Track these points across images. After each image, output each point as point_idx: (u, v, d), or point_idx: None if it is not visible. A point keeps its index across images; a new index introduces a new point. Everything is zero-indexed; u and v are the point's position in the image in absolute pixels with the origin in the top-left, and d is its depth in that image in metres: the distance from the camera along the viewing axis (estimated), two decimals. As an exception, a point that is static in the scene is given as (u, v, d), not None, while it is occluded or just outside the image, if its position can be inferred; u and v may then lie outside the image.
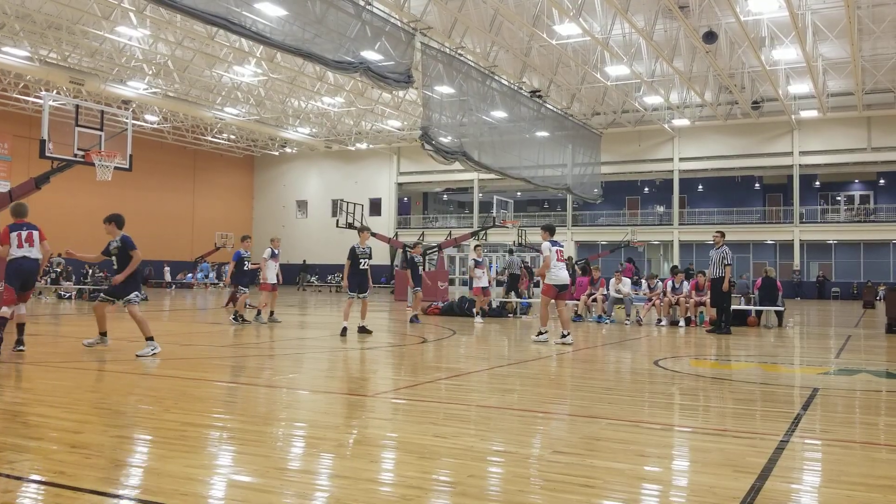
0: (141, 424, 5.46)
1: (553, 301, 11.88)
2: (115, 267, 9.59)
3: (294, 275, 45.67)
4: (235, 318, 15.13)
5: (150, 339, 9.44)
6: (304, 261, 47.93)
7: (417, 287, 17.43)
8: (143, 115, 40.40)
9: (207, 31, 26.91)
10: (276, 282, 15.92)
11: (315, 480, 4.13)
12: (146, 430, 5.25)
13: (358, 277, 12.92)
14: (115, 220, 9.61)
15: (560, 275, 11.68)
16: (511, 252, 28.36)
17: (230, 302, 21.66)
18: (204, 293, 35.10)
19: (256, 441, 4.94)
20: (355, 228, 31.19)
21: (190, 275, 43.33)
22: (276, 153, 52.59)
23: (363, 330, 13.07)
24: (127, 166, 15.15)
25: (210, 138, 46.73)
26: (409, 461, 4.48)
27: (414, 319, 16.33)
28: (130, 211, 46.78)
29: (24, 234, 9.30)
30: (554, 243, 11.83)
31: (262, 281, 15.92)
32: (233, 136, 47.90)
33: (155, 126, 42.65)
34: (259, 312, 15.74)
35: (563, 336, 11.53)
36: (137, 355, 9.21)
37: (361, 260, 12.92)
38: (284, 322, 15.92)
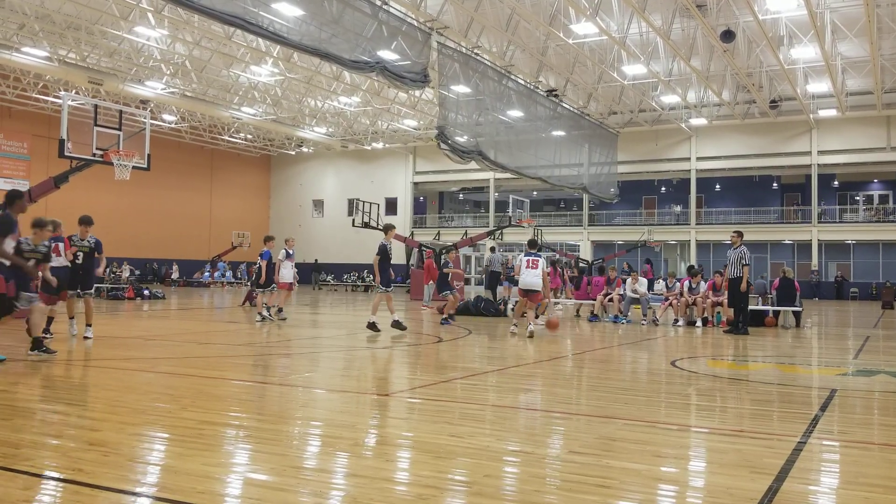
0: (158, 422, 5.50)
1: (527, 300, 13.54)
2: (80, 262, 10.73)
3: (308, 274, 45.84)
4: (262, 318, 15.31)
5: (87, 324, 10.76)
6: (316, 260, 48.06)
7: (447, 290, 16.98)
8: (161, 115, 40.69)
9: (225, 31, 27.06)
10: (292, 281, 16.11)
11: (331, 479, 4.15)
12: (163, 429, 5.29)
13: (388, 273, 13.43)
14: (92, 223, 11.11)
15: (523, 280, 13.31)
16: (493, 250, 28.46)
17: (247, 301, 21.80)
18: (221, 292, 35.31)
19: (273, 440, 4.97)
20: (372, 228, 31.32)
21: (207, 273, 43.64)
22: (293, 153, 52.82)
23: (398, 325, 13.37)
24: (145, 166, 15.29)
25: (227, 138, 46.99)
26: (425, 460, 4.49)
27: (445, 321, 15.99)
28: (148, 210, 47.43)
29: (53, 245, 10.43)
30: (528, 254, 13.54)
31: (280, 280, 16.15)
32: (250, 136, 48.14)
33: (172, 126, 42.95)
34: (280, 310, 16.03)
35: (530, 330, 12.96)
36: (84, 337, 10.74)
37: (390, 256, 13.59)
38: (301, 321, 16.00)
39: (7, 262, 8.23)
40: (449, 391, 7.26)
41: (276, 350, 10.73)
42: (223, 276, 43.56)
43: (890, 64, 30.38)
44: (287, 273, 16.07)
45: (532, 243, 14.10)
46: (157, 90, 34.86)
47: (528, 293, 13.28)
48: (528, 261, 13.29)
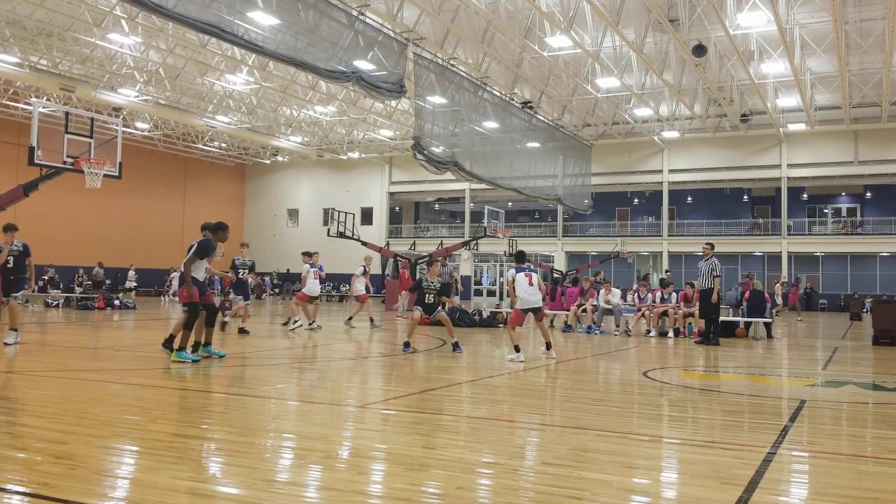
0: (127, 435, 5.42)
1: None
2: (11, 266, 11.46)
3: (281, 284, 45.50)
4: (302, 325, 16.15)
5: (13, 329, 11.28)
6: (288, 269, 47.71)
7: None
8: (134, 123, 40.25)
9: (199, 38, 26.89)
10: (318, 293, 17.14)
11: (303, 492, 4.12)
12: (132, 441, 5.22)
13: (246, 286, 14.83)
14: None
15: (526, 298, 11.56)
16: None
17: (220, 311, 21.57)
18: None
19: (244, 452, 4.92)
20: (347, 238, 31.18)
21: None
22: (268, 162, 52.52)
23: (242, 331, 14.36)
24: (116, 174, 15.09)
25: (201, 146, 46.61)
26: (398, 473, 4.47)
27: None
28: (119, 219, 46.80)
29: None
30: (520, 269, 11.76)
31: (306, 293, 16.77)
32: (224, 145, 47.78)
33: (145, 134, 42.51)
34: (351, 318, 17.70)
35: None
36: (5, 343, 10.92)
37: (241, 270, 14.66)
38: (275, 331, 15.86)
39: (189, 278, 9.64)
40: (422, 402, 7.24)
41: (248, 361, 10.63)
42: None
43: (857, 79, 30.99)
44: (314, 286, 16.62)
45: (521, 256, 12.38)
46: (130, 98, 34.50)
47: (535, 311, 11.60)
48: (528, 276, 11.59)
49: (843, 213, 46.41)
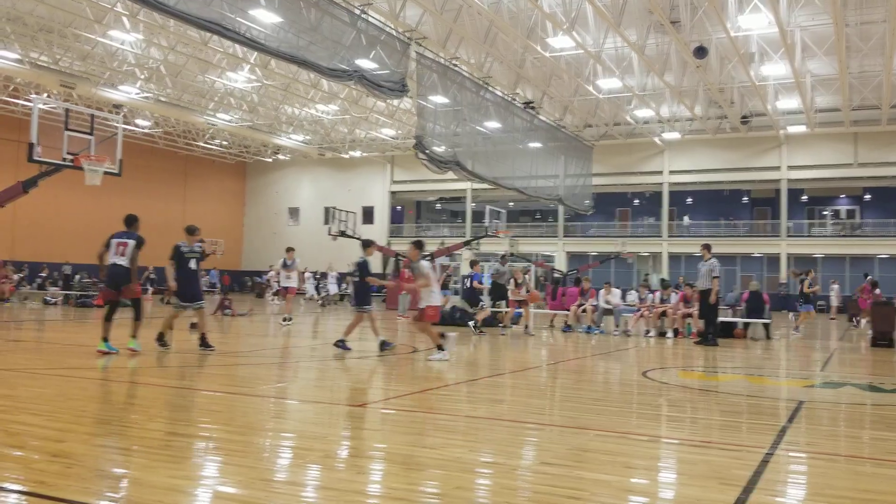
0: (124, 434, 5.42)
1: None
2: None
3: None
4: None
5: None
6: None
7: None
8: (135, 120, 40.23)
9: (201, 36, 26.85)
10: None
11: (301, 492, 4.11)
12: (129, 440, 5.21)
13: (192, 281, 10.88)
14: None
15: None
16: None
17: (219, 310, 21.61)
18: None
19: (242, 451, 4.91)
20: (348, 237, 31.14)
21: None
22: (269, 160, 52.50)
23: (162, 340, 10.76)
24: (116, 171, 15.12)
25: (202, 144, 46.57)
26: (397, 472, 4.47)
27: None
28: (119, 216, 46.53)
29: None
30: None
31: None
32: (225, 143, 47.75)
33: (146, 131, 42.48)
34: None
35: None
36: None
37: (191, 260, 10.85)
38: (275, 330, 15.86)
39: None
40: (422, 402, 7.24)
41: (248, 360, 10.62)
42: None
43: (858, 82, 30.98)
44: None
45: (421, 245, 11.47)
46: (130, 95, 34.48)
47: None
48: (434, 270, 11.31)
49: (843, 214, 46.39)
